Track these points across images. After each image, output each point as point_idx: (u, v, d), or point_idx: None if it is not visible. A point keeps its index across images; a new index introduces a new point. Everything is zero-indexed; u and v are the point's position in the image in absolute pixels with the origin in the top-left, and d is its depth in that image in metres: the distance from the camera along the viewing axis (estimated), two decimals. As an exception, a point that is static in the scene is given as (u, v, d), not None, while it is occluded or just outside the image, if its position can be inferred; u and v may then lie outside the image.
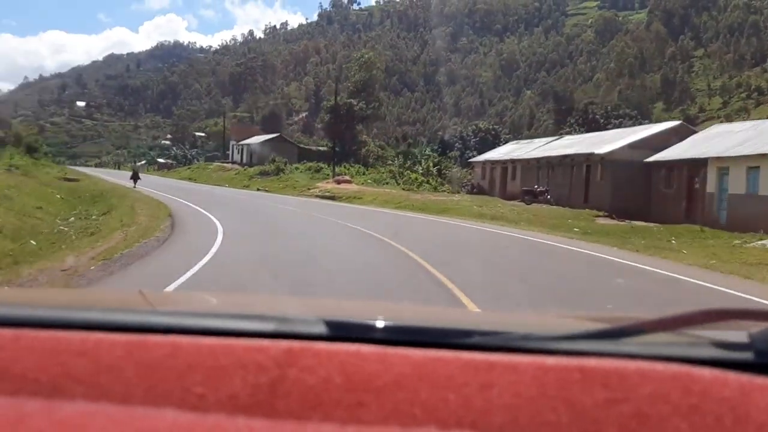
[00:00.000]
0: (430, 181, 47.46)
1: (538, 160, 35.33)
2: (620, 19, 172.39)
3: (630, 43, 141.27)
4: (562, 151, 33.63)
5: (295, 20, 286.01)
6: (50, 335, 0.76)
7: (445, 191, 42.29)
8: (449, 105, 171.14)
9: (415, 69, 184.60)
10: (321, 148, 69.56)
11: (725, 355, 0.77)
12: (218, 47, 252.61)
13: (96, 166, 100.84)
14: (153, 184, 38.37)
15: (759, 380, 0.67)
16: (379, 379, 0.68)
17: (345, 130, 61.35)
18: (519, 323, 1.30)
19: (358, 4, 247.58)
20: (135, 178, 34.58)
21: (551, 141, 39.53)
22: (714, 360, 0.75)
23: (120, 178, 43.33)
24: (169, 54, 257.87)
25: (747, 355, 0.76)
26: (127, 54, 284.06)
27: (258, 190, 41.85)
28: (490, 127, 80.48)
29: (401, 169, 55.04)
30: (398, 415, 0.65)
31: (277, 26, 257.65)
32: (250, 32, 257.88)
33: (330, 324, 0.83)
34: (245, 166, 58.10)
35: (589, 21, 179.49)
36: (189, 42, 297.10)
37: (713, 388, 0.66)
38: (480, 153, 63.86)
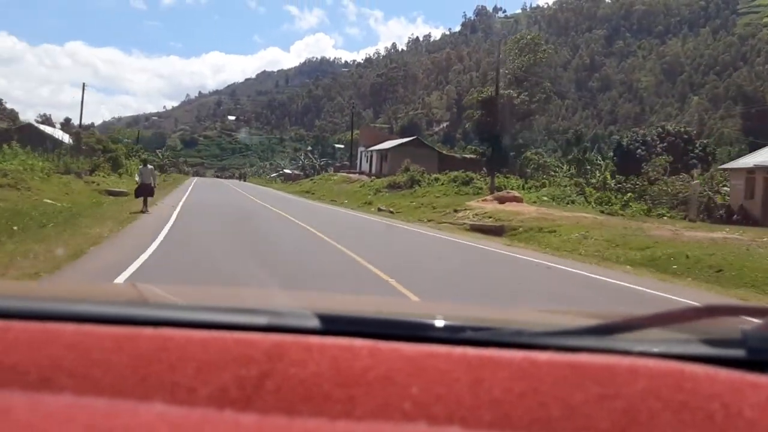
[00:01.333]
0: (636, 201, 30.73)
1: None
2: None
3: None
4: None
5: (438, 33, 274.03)
6: (40, 327, 0.73)
7: (663, 216, 25.60)
8: (604, 112, 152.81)
9: (565, 75, 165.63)
10: (467, 156, 54.19)
11: (717, 352, 0.75)
12: (361, 61, 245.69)
13: (229, 177, 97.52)
14: (217, 200, 25.15)
15: (751, 377, 0.65)
16: (370, 374, 0.66)
17: (500, 131, 45.64)
18: (511, 318, 1.23)
19: (504, 12, 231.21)
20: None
21: None
22: (706, 357, 0.72)
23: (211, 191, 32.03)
24: (315, 69, 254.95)
25: (739, 352, 0.74)
26: (278, 71, 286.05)
27: (380, 210, 27.18)
28: (681, 129, 61.69)
29: (573, 181, 38.60)
30: (388, 411, 0.63)
31: (420, 38, 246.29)
32: (393, 45, 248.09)
33: (322, 318, 0.80)
34: (373, 177, 44.05)
35: (765, 19, 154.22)
36: (335, 58, 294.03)
37: (705, 384, 0.63)
38: (670, 161, 46.71)
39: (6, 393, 0.57)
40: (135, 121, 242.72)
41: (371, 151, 53.81)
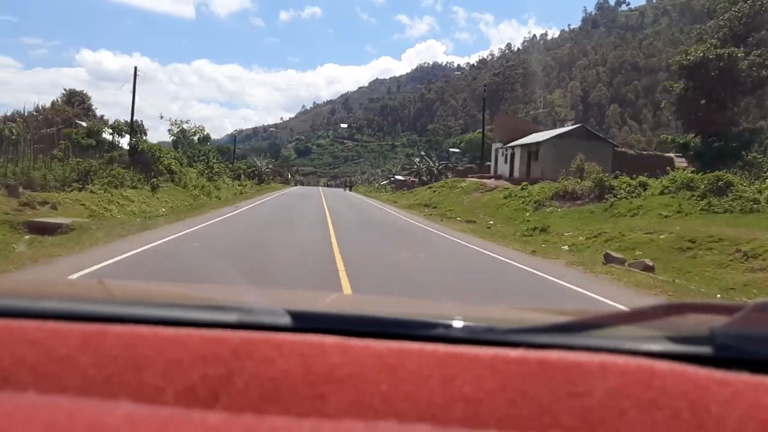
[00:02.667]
0: None
1: None
2: None
3: None
4: None
5: (555, 32, 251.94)
6: (3, 324, 0.69)
7: None
8: (752, 106, 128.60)
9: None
10: (645, 152, 38.09)
11: (686, 349, 0.73)
12: (475, 63, 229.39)
13: (337, 186, 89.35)
14: (251, 233, 11.22)
15: (718, 374, 0.63)
16: (341, 371, 0.63)
17: (714, 111, 29.47)
18: (483, 316, 1.17)
19: (627, 4, 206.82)
20: None
21: None
22: (674, 354, 0.71)
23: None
24: (426, 74, 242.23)
25: (707, 349, 0.72)
26: (389, 78, 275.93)
27: (608, 260, 12.26)
28: None
29: None
30: (359, 408, 0.60)
31: (537, 36, 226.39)
32: (508, 45, 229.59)
33: (293, 315, 0.77)
34: (522, 183, 29.25)
35: None
36: (446, 62, 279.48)
37: (673, 382, 0.62)
38: None
39: None
40: (254, 132, 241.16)
41: (511, 147, 38.87)
